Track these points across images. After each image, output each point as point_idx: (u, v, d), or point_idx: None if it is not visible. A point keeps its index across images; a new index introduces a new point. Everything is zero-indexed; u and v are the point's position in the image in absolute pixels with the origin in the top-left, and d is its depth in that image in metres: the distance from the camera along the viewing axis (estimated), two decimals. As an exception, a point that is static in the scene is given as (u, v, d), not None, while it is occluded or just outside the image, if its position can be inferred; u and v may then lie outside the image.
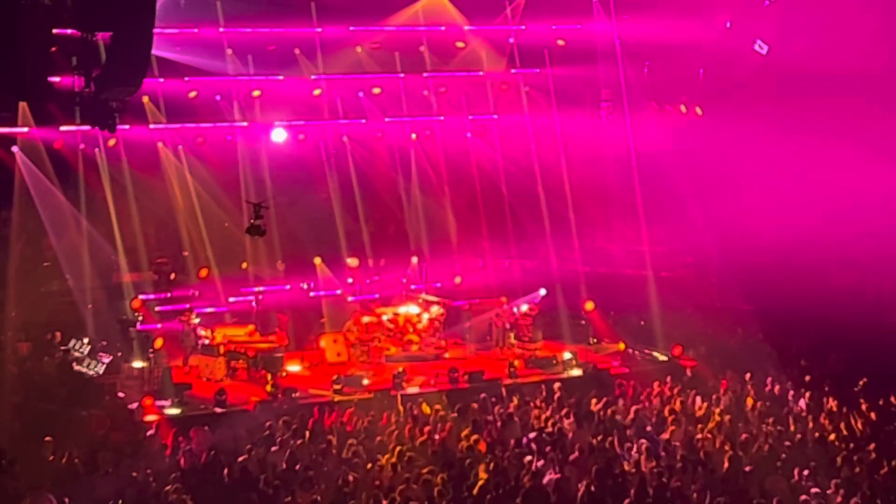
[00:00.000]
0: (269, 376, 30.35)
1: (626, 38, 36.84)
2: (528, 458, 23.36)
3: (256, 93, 35.11)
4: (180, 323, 32.38)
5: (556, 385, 28.88)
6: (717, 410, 27.05)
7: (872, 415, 26.39)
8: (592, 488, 21.50)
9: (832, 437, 24.87)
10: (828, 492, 21.67)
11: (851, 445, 24.23)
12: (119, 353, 31.13)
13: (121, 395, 29.06)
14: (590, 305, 35.94)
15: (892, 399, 27.63)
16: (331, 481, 22.03)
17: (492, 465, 22.94)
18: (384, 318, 34.25)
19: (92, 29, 21.80)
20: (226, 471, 22.45)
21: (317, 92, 35.88)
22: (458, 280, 37.73)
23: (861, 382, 28.84)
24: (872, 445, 24.30)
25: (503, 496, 21.20)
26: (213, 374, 31.04)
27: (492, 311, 35.15)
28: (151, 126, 34.04)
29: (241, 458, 23.31)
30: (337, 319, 34.73)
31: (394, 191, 38.55)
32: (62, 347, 31.07)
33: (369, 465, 22.90)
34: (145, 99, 33.25)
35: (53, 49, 28.99)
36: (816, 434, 25.02)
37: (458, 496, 21.31)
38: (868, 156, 33.88)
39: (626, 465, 23.28)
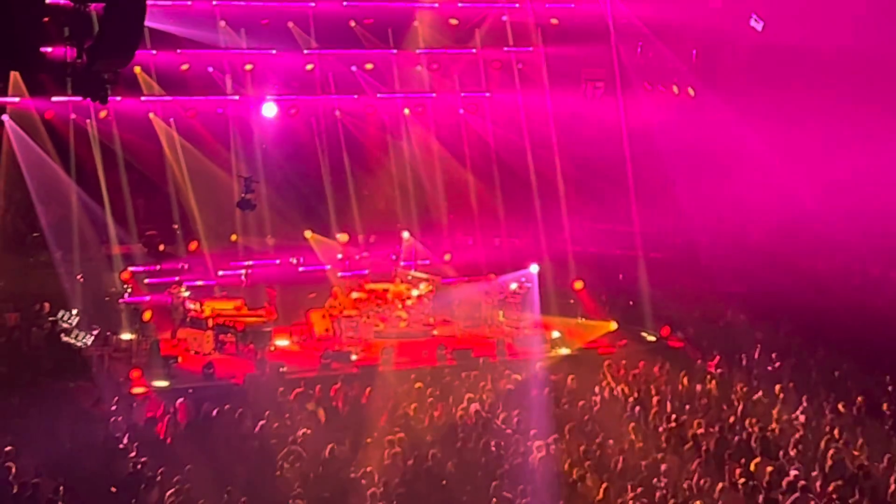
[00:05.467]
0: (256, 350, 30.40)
1: (620, 18, 36.81)
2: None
3: (249, 66, 35.00)
4: (169, 296, 32.33)
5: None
6: (704, 391, 27.17)
7: (859, 399, 26.41)
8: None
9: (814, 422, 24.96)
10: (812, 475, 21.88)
11: (836, 432, 24.26)
12: (107, 326, 31.13)
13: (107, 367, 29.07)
14: (579, 285, 35.96)
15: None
16: (317, 455, 22.15)
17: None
18: (373, 294, 34.24)
19: (85, -1, 21.74)
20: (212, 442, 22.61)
21: (309, 67, 35.79)
22: (447, 257, 37.69)
23: (844, 366, 28.92)
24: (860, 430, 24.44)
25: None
26: (201, 348, 31.01)
27: (481, 288, 35.15)
28: (143, 98, 33.96)
29: (227, 431, 23.43)
30: (326, 294, 34.69)
31: (385, 166, 38.50)
32: (50, 318, 31.05)
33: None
34: (137, 70, 33.16)
35: (46, 19, 28.92)
36: (803, 418, 25.12)
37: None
38: (859, 139, 33.93)
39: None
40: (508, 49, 37.85)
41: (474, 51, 37.74)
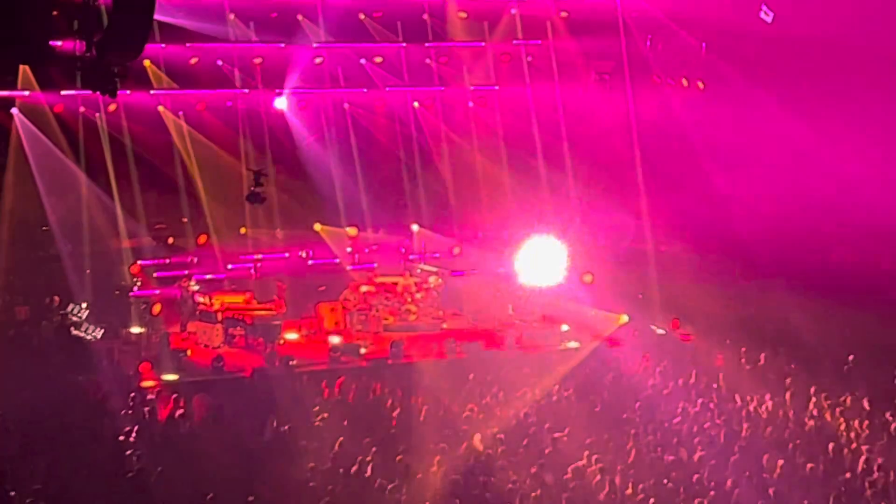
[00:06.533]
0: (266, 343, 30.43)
1: (630, 11, 36.74)
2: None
3: (258, 60, 34.95)
4: (179, 289, 32.37)
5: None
6: (715, 385, 27.10)
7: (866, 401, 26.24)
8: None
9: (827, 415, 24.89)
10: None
11: (843, 428, 24.19)
12: (116, 319, 31.17)
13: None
14: (588, 278, 35.89)
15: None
16: (325, 452, 22.11)
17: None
18: (383, 287, 34.23)
19: (94, -8, 21.72)
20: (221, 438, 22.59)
21: (318, 60, 35.75)
22: (456, 250, 37.62)
23: (850, 357, 28.79)
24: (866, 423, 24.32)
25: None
26: (210, 341, 31.06)
27: (490, 281, 35.11)
28: (152, 91, 33.95)
29: (236, 427, 23.42)
30: (335, 288, 34.69)
31: (394, 160, 38.48)
32: (60, 312, 31.08)
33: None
34: (147, 63, 33.15)
35: (55, 12, 28.83)
36: (815, 412, 25.02)
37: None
38: (870, 130, 33.83)
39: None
40: (518, 42, 37.75)
41: (483, 44, 37.66)
